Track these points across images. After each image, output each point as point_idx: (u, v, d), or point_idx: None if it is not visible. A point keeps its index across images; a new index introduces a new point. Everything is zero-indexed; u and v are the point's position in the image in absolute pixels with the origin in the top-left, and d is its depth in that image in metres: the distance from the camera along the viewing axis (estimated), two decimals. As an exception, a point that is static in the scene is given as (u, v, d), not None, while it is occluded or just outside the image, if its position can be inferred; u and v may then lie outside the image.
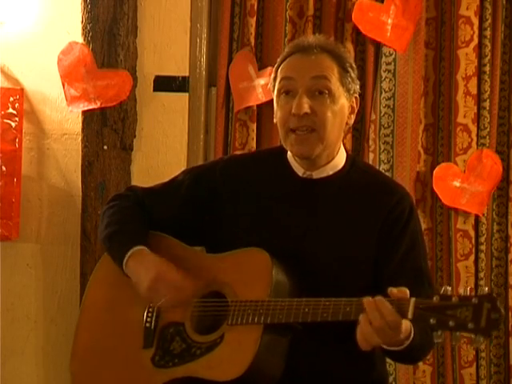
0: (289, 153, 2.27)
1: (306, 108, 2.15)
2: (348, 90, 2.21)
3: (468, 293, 1.87)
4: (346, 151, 2.29)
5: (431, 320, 1.86)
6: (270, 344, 2.07)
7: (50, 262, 3.55)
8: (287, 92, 2.19)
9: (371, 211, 2.20)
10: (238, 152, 3.40)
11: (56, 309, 3.56)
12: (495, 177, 3.43)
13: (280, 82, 2.21)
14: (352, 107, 2.24)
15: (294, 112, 2.16)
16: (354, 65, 2.25)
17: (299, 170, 2.25)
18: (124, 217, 2.32)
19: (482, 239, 3.42)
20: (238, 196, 2.27)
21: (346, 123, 2.24)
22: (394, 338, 1.94)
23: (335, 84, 2.18)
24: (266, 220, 2.22)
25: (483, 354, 3.42)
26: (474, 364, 3.42)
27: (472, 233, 3.43)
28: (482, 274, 3.41)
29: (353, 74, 2.23)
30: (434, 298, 1.88)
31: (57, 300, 3.56)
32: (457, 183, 3.42)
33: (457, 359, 3.40)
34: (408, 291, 1.93)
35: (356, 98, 2.25)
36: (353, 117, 2.26)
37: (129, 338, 2.23)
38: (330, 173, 2.24)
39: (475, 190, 3.42)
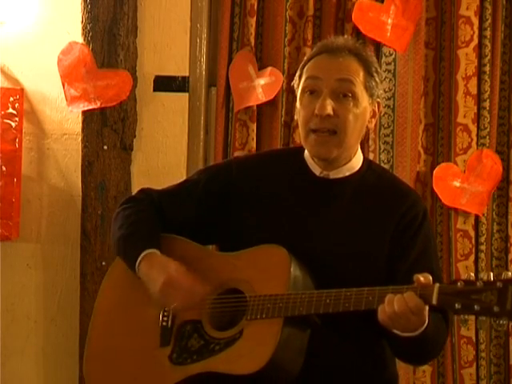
0: (306, 152, 2.28)
1: (329, 110, 2.15)
2: (371, 95, 2.21)
3: (492, 277, 1.89)
4: (363, 154, 2.30)
5: (456, 305, 1.88)
6: (290, 338, 2.07)
7: (50, 262, 3.55)
8: (312, 92, 2.20)
9: (385, 214, 2.21)
10: (238, 152, 3.40)
11: (56, 309, 3.56)
12: (495, 177, 3.43)
13: (305, 81, 2.22)
14: (374, 111, 2.25)
15: (317, 113, 2.16)
16: (379, 69, 2.25)
17: (316, 170, 2.25)
18: (138, 219, 2.30)
19: (482, 239, 3.42)
20: (253, 193, 2.27)
21: (366, 127, 2.25)
22: (417, 322, 1.96)
23: (359, 88, 2.18)
24: (281, 217, 2.22)
25: (483, 354, 3.42)
26: (474, 364, 3.42)
27: (472, 233, 3.43)
28: (481, 274, 3.40)
29: (377, 79, 2.23)
30: (459, 284, 1.90)
31: (57, 300, 3.56)
32: (457, 183, 3.42)
33: (457, 359, 3.40)
34: (431, 277, 1.95)
35: (378, 102, 2.26)
36: (373, 121, 2.27)
37: (145, 337, 2.22)
38: (347, 174, 2.25)
39: (475, 190, 3.42)
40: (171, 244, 2.29)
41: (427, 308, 1.96)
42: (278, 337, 2.04)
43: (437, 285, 1.93)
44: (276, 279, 2.11)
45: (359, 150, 2.28)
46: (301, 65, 2.27)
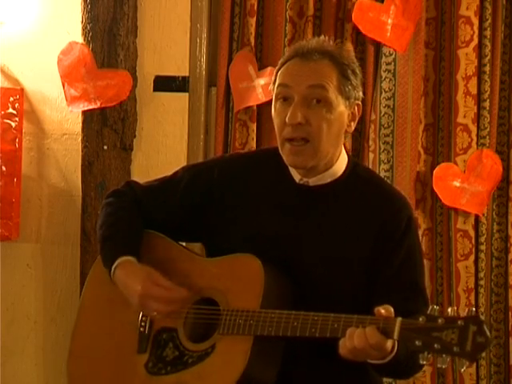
0: None
1: (299, 117, 2.09)
2: (348, 98, 2.13)
3: (455, 313, 1.82)
4: (349, 157, 2.23)
5: (417, 342, 1.83)
6: (262, 354, 2.05)
7: (50, 262, 3.55)
8: (284, 98, 2.14)
9: (367, 220, 2.15)
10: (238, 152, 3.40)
11: (56, 309, 3.56)
12: (495, 177, 3.43)
13: (277, 88, 2.15)
14: (353, 114, 2.17)
15: (287, 122, 2.10)
16: (357, 70, 2.17)
17: (296, 176, 2.20)
18: (118, 220, 2.28)
19: (482, 239, 3.42)
20: (233, 198, 2.24)
21: (346, 131, 2.18)
22: (378, 356, 1.93)
23: (333, 93, 2.11)
24: (259, 224, 2.19)
25: (483, 354, 3.41)
26: (474, 364, 3.42)
27: (472, 233, 3.43)
28: (481, 274, 3.41)
29: (354, 81, 2.15)
30: (420, 319, 1.84)
31: (57, 300, 3.56)
32: (457, 183, 3.42)
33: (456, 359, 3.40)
34: (392, 310, 1.91)
35: (358, 104, 2.18)
36: (353, 124, 2.18)
37: (124, 340, 2.22)
38: (328, 180, 2.19)
39: (475, 190, 3.42)
40: (152, 242, 2.27)
41: (390, 341, 1.90)
42: (248, 356, 2.02)
43: (399, 319, 1.87)
44: (248, 292, 2.08)
45: (343, 155, 2.21)
46: (275, 69, 2.20)
